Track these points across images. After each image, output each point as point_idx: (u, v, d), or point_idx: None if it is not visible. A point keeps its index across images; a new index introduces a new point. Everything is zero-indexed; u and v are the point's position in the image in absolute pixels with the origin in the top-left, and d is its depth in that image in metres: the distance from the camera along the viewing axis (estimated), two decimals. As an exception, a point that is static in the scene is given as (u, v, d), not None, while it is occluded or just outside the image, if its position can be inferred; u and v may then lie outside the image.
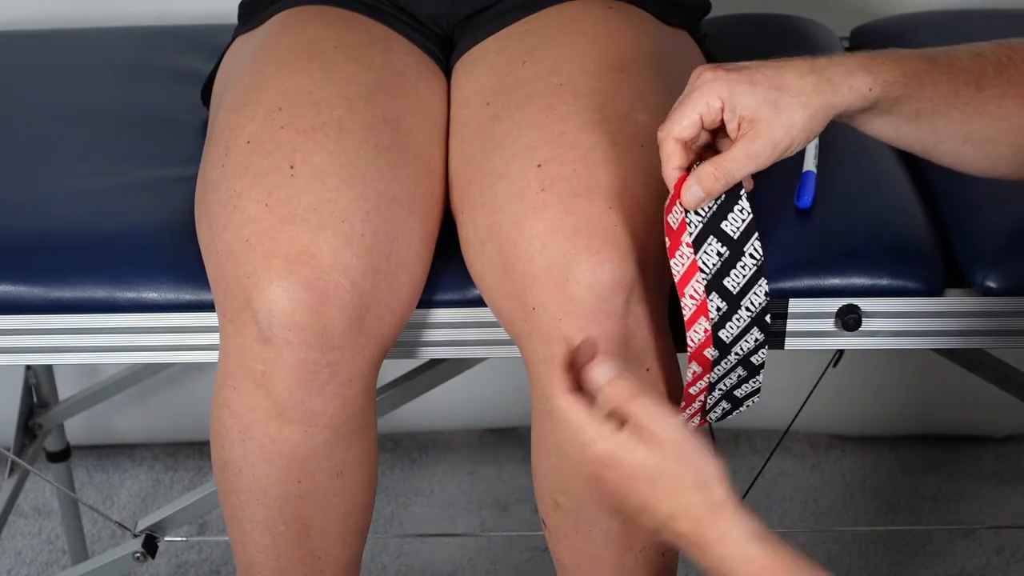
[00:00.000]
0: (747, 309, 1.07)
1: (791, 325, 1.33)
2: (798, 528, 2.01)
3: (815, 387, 1.55)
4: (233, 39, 1.46)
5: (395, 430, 2.14)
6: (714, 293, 1.06)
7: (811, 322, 1.33)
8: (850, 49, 1.72)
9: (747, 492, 1.68)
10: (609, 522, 1.22)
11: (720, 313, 1.07)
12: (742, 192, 1.06)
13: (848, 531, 2.00)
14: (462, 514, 2.06)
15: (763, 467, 1.68)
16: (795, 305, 1.32)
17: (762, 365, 1.10)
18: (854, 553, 1.97)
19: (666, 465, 0.96)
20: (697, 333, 1.07)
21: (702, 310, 1.07)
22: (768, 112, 1.04)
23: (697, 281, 1.06)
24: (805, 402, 1.57)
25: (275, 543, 1.27)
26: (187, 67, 1.63)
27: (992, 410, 2.09)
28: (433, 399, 1.63)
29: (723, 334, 1.08)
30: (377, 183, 1.24)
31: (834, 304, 1.32)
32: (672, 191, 1.06)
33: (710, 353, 1.08)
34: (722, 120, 1.07)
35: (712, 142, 1.11)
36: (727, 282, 1.06)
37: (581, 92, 1.25)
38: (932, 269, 1.33)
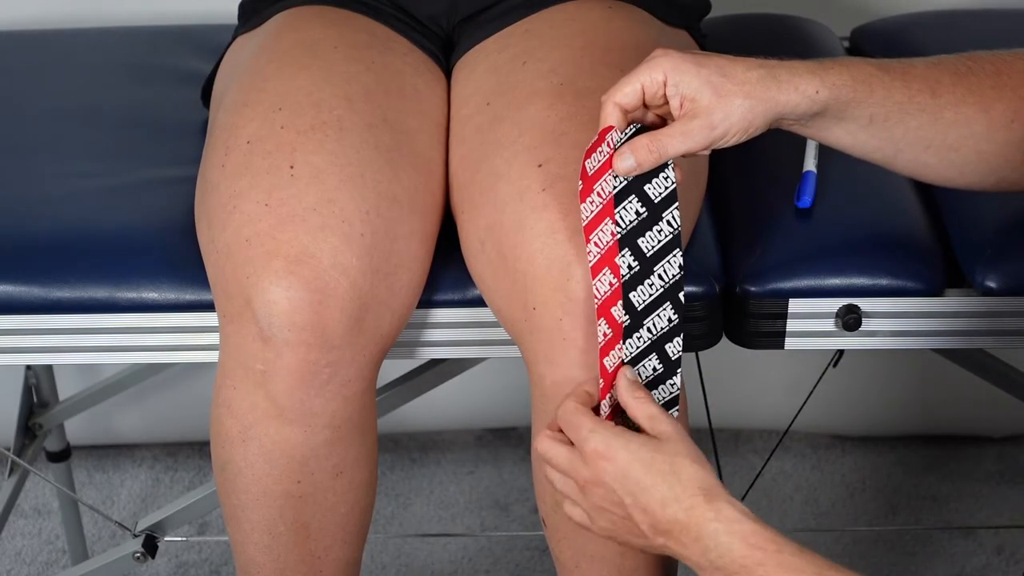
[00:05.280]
0: (660, 277, 1.08)
1: (791, 325, 1.33)
2: (798, 528, 2.01)
3: (815, 387, 1.55)
4: (233, 39, 1.46)
5: (395, 430, 2.14)
6: (627, 250, 1.07)
7: (811, 322, 1.33)
8: (850, 49, 1.72)
9: (747, 492, 1.69)
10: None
11: (632, 272, 1.07)
12: (670, 162, 1.07)
13: (848, 531, 2.01)
14: (462, 514, 2.06)
15: (763, 467, 1.68)
16: (795, 305, 1.32)
17: (678, 362, 1.10)
18: (854, 553, 1.97)
19: (659, 452, 1.02)
20: (603, 284, 1.08)
21: (608, 260, 1.08)
22: (709, 94, 1.06)
23: (604, 230, 1.07)
24: (805, 402, 1.57)
25: (275, 543, 1.27)
26: (187, 67, 1.63)
27: (992, 410, 2.09)
28: (433, 399, 1.63)
29: (634, 297, 1.08)
30: (377, 183, 1.24)
31: (834, 304, 1.32)
32: (596, 137, 1.07)
33: (619, 315, 1.08)
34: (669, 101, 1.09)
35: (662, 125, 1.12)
36: (641, 242, 1.07)
37: (582, 92, 1.25)
38: (932, 269, 1.33)
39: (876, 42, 1.69)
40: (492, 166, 1.25)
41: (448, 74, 1.40)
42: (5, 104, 1.59)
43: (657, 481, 1.01)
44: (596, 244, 1.08)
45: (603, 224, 1.08)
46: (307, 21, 1.37)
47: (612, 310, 1.08)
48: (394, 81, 1.32)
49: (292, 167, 1.23)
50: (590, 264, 1.09)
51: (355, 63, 1.32)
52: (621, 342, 1.09)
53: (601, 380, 1.10)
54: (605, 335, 1.09)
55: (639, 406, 1.06)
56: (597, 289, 1.09)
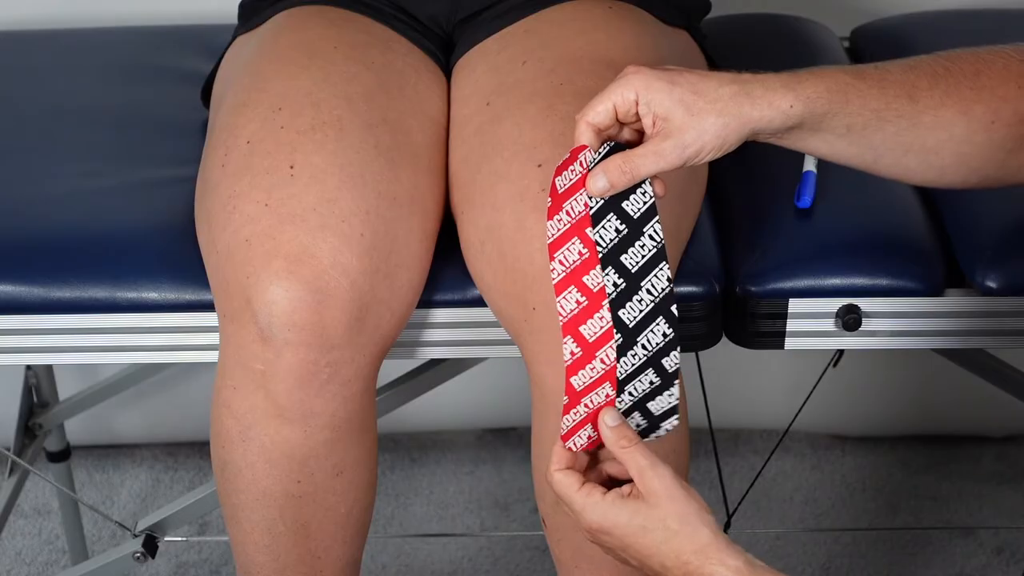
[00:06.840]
0: (648, 292, 1.07)
1: (791, 325, 1.33)
2: (798, 528, 2.01)
3: (815, 387, 1.55)
4: (233, 39, 1.46)
5: (395, 430, 2.14)
6: (611, 268, 1.06)
7: (811, 322, 1.33)
8: (850, 49, 1.72)
9: (747, 492, 1.69)
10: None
11: (618, 290, 1.07)
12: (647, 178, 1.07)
13: (848, 531, 2.01)
14: (462, 514, 2.06)
15: (763, 467, 1.68)
16: (795, 305, 1.32)
17: (676, 374, 1.09)
18: (854, 553, 1.97)
19: (650, 519, 1.03)
20: (568, 303, 1.08)
21: (574, 278, 1.07)
22: (681, 113, 1.05)
23: (571, 248, 1.07)
24: (805, 402, 1.57)
25: (275, 543, 1.27)
26: (187, 67, 1.63)
27: (992, 410, 2.09)
28: (433, 399, 1.63)
29: (624, 315, 1.07)
30: (377, 183, 1.24)
31: (834, 304, 1.32)
32: (568, 155, 1.07)
33: (587, 333, 1.07)
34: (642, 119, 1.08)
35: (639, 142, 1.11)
36: (625, 259, 1.06)
37: (581, 92, 1.25)
38: (932, 269, 1.33)
39: (876, 42, 1.69)
40: (492, 166, 1.25)
41: (448, 74, 1.40)
42: (5, 104, 1.59)
43: (653, 550, 1.03)
44: (561, 263, 1.07)
45: (570, 243, 1.07)
46: (307, 21, 1.37)
47: (580, 328, 1.08)
48: (394, 81, 1.33)
49: (292, 167, 1.23)
50: (554, 282, 1.08)
51: (355, 63, 1.32)
52: (593, 361, 1.08)
53: (566, 397, 1.09)
54: (572, 353, 1.08)
55: (628, 458, 1.05)
56: (562, 307, 1.08)
